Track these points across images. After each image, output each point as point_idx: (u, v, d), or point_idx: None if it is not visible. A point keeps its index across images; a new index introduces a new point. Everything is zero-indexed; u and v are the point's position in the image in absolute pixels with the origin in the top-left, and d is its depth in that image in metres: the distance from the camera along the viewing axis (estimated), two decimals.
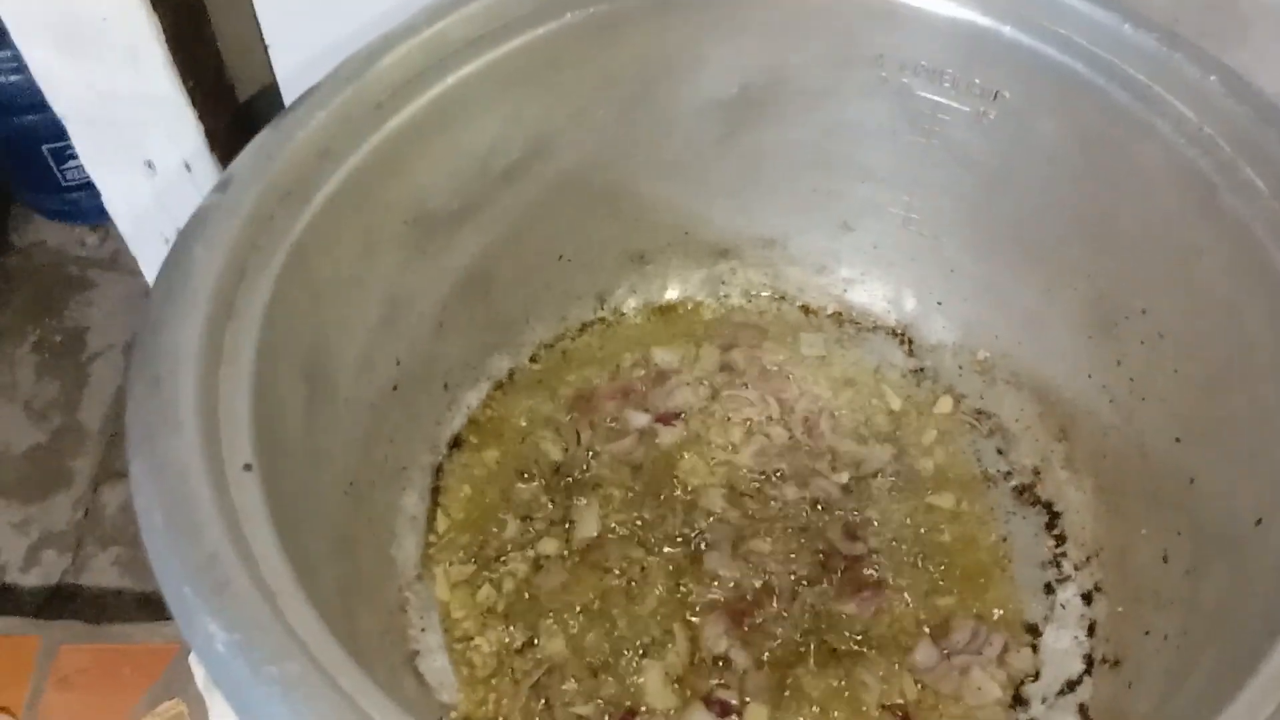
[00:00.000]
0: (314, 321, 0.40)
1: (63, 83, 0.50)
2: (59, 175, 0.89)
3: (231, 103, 0.56)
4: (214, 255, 0.36)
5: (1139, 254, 0.45)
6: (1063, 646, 0.47)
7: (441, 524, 0.49)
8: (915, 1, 0.45)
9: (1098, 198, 0.45)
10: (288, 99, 0.51)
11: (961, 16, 0.44)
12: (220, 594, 0.30)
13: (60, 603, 0.75)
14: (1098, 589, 0.48)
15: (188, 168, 0.54)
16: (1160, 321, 0.44)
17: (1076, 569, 0.49)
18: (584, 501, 0.50)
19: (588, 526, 0.49)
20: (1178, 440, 0.44)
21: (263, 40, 0.51)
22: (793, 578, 0.49)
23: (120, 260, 0.92)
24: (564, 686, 0.46)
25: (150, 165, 0.54)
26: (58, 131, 0.52)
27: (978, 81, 0.46)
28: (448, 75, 0.43)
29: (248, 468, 0.33)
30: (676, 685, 0.46)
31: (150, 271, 0.58)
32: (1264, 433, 0.39)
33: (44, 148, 0.86)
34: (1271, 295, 0.38)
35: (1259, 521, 0.38)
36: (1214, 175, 0.40)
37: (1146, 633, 0.43)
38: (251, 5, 0.49)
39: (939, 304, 0.55)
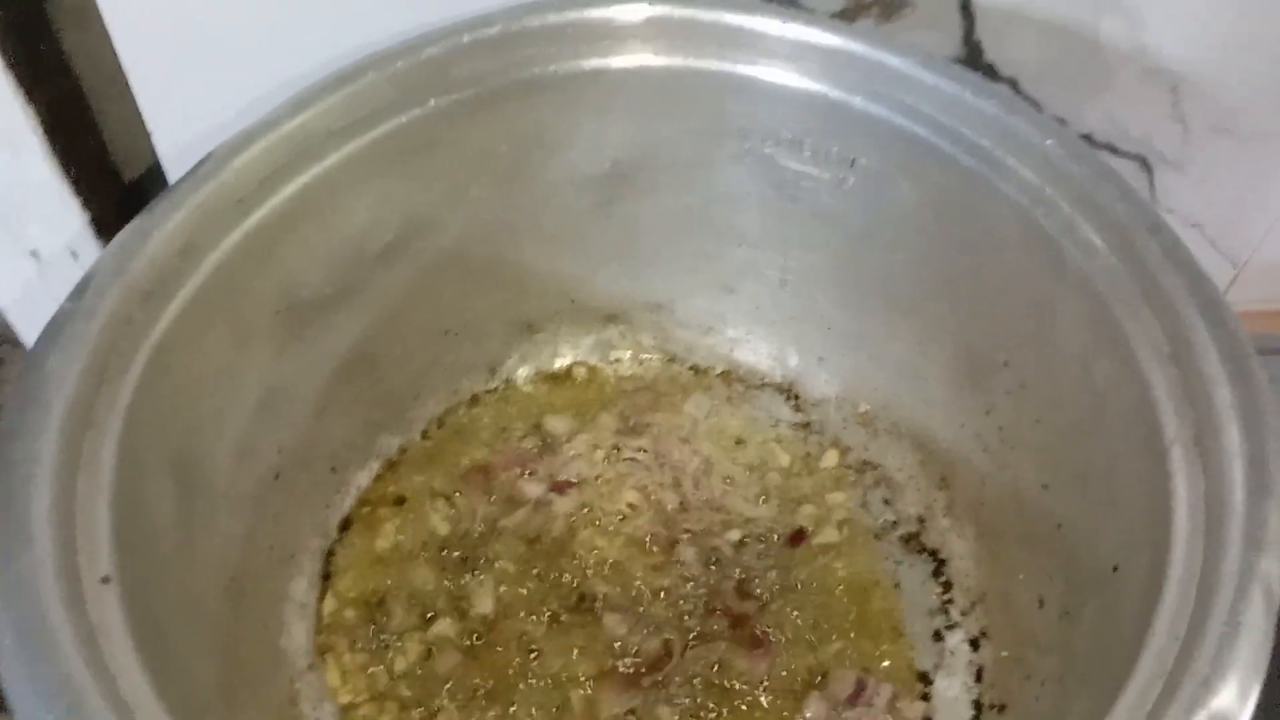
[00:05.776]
0: (183, 419, 0.40)
1: None
2: None
3: (116, 187, 0.56)
4: (70, 362, 0.36)
5: (998, 310, 0.46)
6: (953, 694, 0.48)
7: (333, 609, 0.49)
8: (771, 78, 0.46)
9: (956, 256, 0.47)
10: (172, 180, 0.51)
11: (815, 90, 0.46)
12: (74, 717, 0.30)
13: None
14: (984, 634, 0.49)
15: (74, 255, 0.54)
16: (1022, 374, 0.46)
17: (963, 615, 0.50)
18: (480, 577, 0.50)
19: (483, 603, 0.49)
20: (1045, 487, 0.45)
21: (144, 125, 0.51)
22: (689, 637, 0.49)
23: None
24: None
25: (35, 254, 0.54)
26: None
27: (835, 150, 0.47)
28: (312, 166, 0.43)
29: (105, 580, 0.33)
30: None
31: None
32: (1118, 481, 0.40)
33: None
34: (1116, 348, 0.40)
35: (1115, 569, 0.39)
36: (1058, 234, 0.42)
37: (1028, 677, 0.44)
38: (131, 91, 0.49)
39: (820, 359, 0.56)
